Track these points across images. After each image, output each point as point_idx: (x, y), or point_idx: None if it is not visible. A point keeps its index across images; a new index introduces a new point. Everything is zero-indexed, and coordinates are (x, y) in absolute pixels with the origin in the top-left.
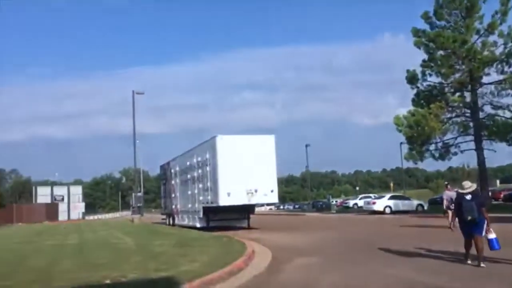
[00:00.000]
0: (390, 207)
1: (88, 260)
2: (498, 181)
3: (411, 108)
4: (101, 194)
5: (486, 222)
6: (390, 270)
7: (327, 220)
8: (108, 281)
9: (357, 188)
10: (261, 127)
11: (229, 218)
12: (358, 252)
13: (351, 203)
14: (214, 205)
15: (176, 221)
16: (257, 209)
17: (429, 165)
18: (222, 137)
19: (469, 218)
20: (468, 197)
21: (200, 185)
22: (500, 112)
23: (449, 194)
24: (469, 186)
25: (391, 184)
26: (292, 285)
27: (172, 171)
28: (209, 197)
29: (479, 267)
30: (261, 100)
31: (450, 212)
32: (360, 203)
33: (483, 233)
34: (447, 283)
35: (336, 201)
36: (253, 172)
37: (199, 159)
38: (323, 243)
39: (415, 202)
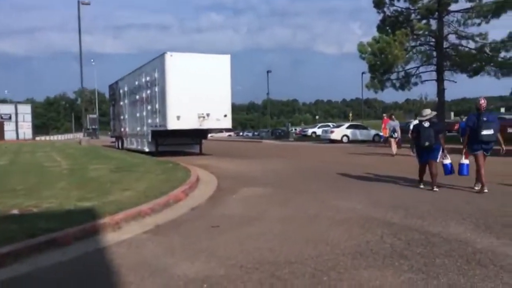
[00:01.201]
0: (347, 136)
1: (6, 185)
2: (452, 114)
3: (376, 35)
4: (54, 115)
5: (442, 148)
6: (343, 203)
7: (283, 148)
8: (15, 211)
9: (317, 117)
10: (226, 52)
11: (179, 143)
12: (311, 182)
13: (309, 131)
14: (162, 128)
15: (125, 145)
16: (215, 135)
17: (387, 96)
18: (172, 54)
19: (426, 144)
20: (426, 124)
21: (149, 107)
22: (464, 42)
23: (392, 124)
24: (428, 113)
25: (350, 114)
26: (232, 219)
27: (121, 91)
28: (157, 120)
29: (433, 191)
30: (226, 23)
31: (392, 140)
32: (319, 131)
33: (438, 159)
34: (404, 220)
35: (295, 129)
36: (205, 95)
37: (148, 78)
38: (274, 172)
39: (372, 132)
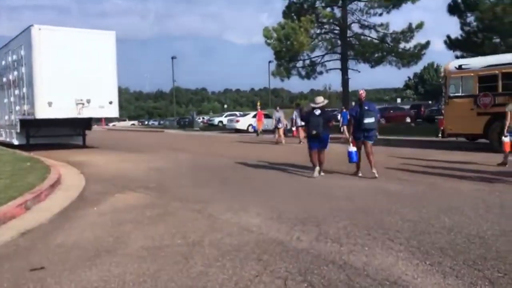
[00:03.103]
0: (253, 125)
1: None
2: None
3: (282, 20)
4: None
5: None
6: (236, 218)
7: (185, 138)
8: None
9: (226, 106)
10: (133, 38)
11: (56, 135)
12: (202, 185)
13: (216, 120)
14: (31, 117)
15: None
16: (118, 124)
17: (294, 86)
18: (40, 28)
19: (314, 132)
20: (317, 112)
21: (16, 92)
22: (366, 31)
23: (277, 114)
24: (321, 101)
25: (258, 103)
26: (70, 253)
27: None
28: (25, 108)
29: (320, 175)
30: (132, 8)
31: (279, 130)
32: (225, 121)
33: (328, 147)
34: (315, 243)
35: (202, 118)
36: (85, 78)
37: (14, 57)
38: (162, 171)
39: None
